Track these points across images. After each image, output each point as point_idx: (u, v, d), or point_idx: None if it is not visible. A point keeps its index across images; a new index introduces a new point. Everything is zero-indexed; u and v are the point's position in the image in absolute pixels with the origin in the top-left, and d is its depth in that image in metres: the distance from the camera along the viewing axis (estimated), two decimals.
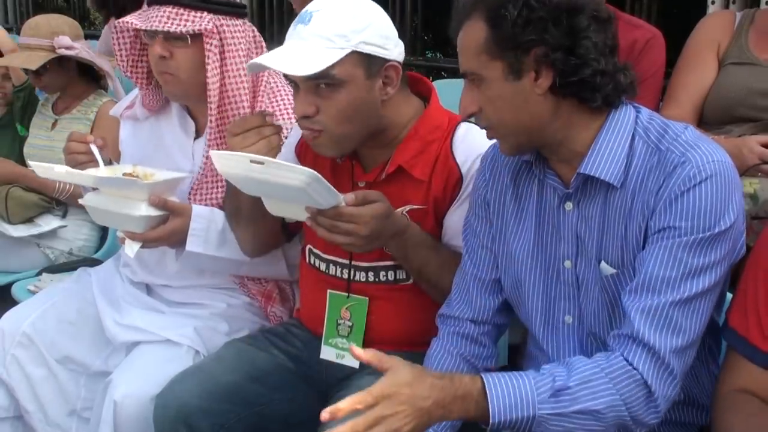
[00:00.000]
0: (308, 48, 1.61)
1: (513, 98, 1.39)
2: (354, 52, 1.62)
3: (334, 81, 1.62)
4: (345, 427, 1.20)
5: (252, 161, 1.50)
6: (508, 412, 1.29)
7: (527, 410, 1.29)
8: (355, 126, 1.69)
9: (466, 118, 1.58)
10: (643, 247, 1.39)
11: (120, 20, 1.97)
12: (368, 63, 1.65)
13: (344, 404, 1.21)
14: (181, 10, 1.94)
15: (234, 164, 1.54)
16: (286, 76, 1.69)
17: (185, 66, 1.97)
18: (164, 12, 1.93)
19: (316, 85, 1.62)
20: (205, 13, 1.96)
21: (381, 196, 1.59)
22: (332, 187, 1.50)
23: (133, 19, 1.94)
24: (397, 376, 1.25)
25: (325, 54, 1.60)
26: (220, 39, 1.97)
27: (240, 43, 2.01)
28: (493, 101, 1.42)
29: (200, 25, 1.94)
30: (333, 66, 1.59)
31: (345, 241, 1.56)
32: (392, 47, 1.68)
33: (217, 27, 1.97)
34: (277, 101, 2.08)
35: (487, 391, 1.29)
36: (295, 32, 1.65)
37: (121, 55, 2.09)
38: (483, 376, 1.31)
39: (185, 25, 1.93)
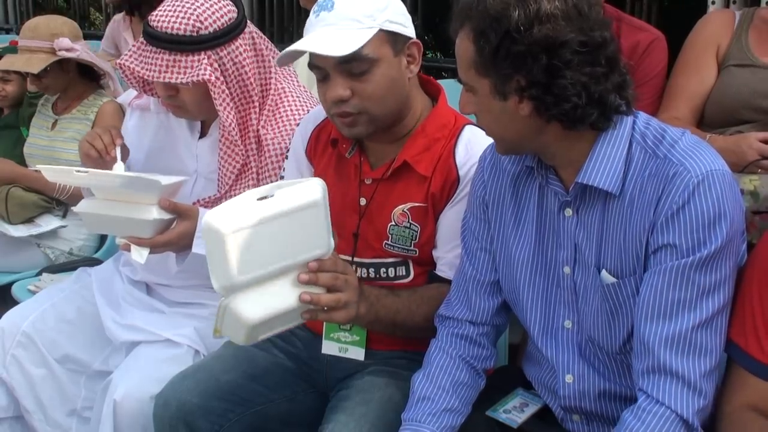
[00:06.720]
0: (338, 31, 1.63)
1: (500, 114, 1.40)
2: (381, 31, 1.65)
3: (367, 60, 1.63)
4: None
5: (259, 198, 1.40)
6: None
7: None
8: (390, 104, 1.71)
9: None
10: (645, 261, 1.38)
11: (122, 62, 1.96)
12: (394, 41, 1.68)
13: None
14: (178, 56, 1.91)
15: (239, 213, 1.36)
16: (313, 66, 1.69)
17: (192, 101, 1.98)
18: (162, 60, 1.91)
19: (349, 69, 1.64)
20: (203, 54, 1.92)
21: None
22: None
23: (134, 65, 1.94)
24: None
25: (357, 34, 1.62)
26: (223, 72, 1.96)
27: (245, 59, 2.00)
28: (483, 112, 1.44)
29: (198, 74, 1.90)
30: (364, 46, 1.62)
31: (345, 299, 1.52)
32: (410, 25, 1.72)
33: (218, 64, 1.95)
34: (278, 120, 2.07)
35: None
36: (319, 20, 1.66)
37: (131, 83, 2.08)
38: None
39: (185, 73, 1.91)
